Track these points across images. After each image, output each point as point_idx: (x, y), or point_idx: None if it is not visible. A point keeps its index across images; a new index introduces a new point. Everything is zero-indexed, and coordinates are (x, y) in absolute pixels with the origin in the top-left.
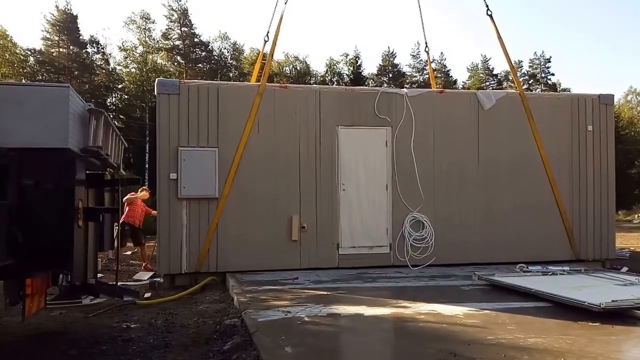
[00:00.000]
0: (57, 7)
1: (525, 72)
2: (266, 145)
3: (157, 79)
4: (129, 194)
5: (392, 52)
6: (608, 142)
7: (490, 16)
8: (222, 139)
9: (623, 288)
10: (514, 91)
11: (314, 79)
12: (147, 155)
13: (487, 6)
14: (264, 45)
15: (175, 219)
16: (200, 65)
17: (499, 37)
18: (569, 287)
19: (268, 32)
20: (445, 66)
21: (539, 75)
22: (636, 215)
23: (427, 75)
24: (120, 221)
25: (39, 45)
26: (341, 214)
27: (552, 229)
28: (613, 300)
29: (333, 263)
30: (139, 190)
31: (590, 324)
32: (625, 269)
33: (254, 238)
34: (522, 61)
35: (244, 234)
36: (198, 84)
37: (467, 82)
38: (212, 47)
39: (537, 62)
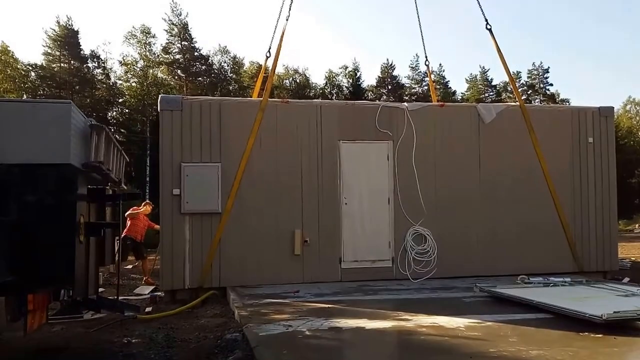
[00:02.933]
0: (58, 22)
1: (524, 82)
2: (268, 160)
3: (160, 96)
4: (131, 209)
5: (391, 64)
6: (609, 154)
7: (490, 30)
8: (225, 155)
9: (625, 299)
10: (515, 104)
11: (313, 91)
12: (148, 169)
13: (486, 20)
14: (266, 60)
15: (178, 234)
16: (200, 78)
17: (499, 51)
18: (571, 299)
19: (270, 48)
20: (444, 77)
21: (537, 86)
22: (637, 225)
23: (426, 87)
24: (122, 235)
25: (40, 60)
26: (343, 228)
27: (554, 241)
28: (615, 312)
29: (336, 277)
30: (142, 204)
31: (593, 335)
32: (626, 279)
33: (257, 253)
34: (520, 72)
35: (246, 249)
36: (200, 100)
37: (466, 93)
38: (212, 60)
39: (535, 72)
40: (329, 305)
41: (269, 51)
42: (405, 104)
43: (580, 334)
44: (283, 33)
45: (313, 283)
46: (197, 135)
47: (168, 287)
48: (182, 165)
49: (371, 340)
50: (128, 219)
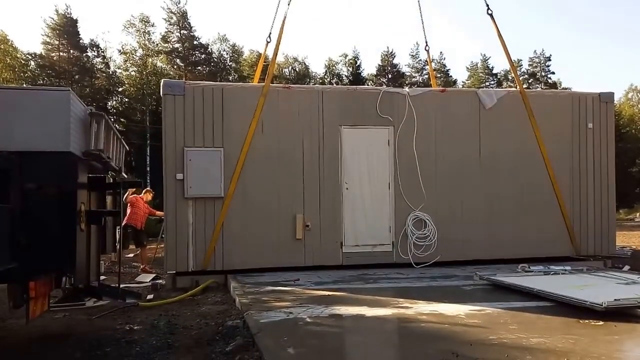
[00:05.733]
0: (57, 11)
1: (525, 70)
2: (270, 145)
3: (163, 80)
4: (130, 194)
5: (391, 52)
6: (608, 140)
7: (491, 15)
8: (227, 139)
9: (625, 287)
10: (515, 89)
11: (313, 80)
12: (148, 158)
13: (487, 6)
14: (266, 46)
15: (181, 219)
16: (199, 67)
17: (500, 37)
18: (571, 287)
19: (270, 34)
20: (444, 66)
21: (539, 74)
22: (637, 214)
23: (426, 76)
24: (123, 224)
25: (39, 49)
26: (344, 212)
27: (553, 226)
28: (615, 299)
29: (337, 261)
30: (143, 192)
31: (593, 323)
32: (627, 267)
33: (259, 237)
34: (521, 60)
35: (249, 233)
36: (203, 85)
37: (466, 81)
38: (211, 49)
39: (537, 60)
40: (330, 293)
41: (269, 37)
42: (406, 89)
43: (581, 321)
44: (284, 18)
45: (313, 269)
46: (199, 120)
47: (172, 270)
48: (185, 150)
49: (371, 327)
50: (128, 205)
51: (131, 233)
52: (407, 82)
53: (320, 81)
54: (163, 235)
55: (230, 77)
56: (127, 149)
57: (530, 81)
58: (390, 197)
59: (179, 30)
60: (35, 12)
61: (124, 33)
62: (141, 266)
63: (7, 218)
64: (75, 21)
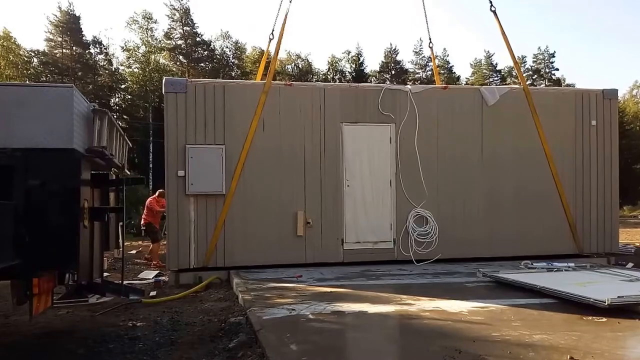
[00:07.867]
0: (59, 8)
1: (529, 67)
2: (272, 142)
3: (164, 78)
4: (157, 194)
5: (395, 49)
6: (612, 137)
7: (494, 12)
8: (229, 136)
9: (629, 284)
10: (518, 86)
11: (316, 77)
12: (151, 155)
13: (490, 2)
14: (269, 43)
15: (183, 215)
16: (202, 64)
17: (503, 33)
18: (575, 284)
19: (273, 31)
20: (448, 62)
21: (542, 71)
22: None
23: (429, 72)
24: (146, 222)
25: (42, 46)
26: (346, 209)
27: (556, 224)
28: (619, 296)
29: (338, 258)
30: (157, 192)
31: (596, 320)
32: (630, 264)
33: (260, 233)
34: (525, 56)
35: (250, 230)
36: (205, 82)
37: (470, 78)
38: (214, 46)
39: (541, 57)
40: (332, 290)
41: (272, 33)
42: (408, 86)
43: (584, 318)
44: (286, 15)
45: (315, 265)
46: (201, 117)
47: (174, 267)
48: (186, 147)
49: (374, 324)
50: (146, 206)
51: (150, 228)
52: (410, 79)
53: (323, 78)
54: (166, 232)
55: (233, 74)
56: (130, 145)
57: (534, 77)
58: (391, 194)
59: (181, 27)
60: (38, 9)
61: (126, 30)
62: (152, 262)
63: (11, 215)
64: (78, 18)
